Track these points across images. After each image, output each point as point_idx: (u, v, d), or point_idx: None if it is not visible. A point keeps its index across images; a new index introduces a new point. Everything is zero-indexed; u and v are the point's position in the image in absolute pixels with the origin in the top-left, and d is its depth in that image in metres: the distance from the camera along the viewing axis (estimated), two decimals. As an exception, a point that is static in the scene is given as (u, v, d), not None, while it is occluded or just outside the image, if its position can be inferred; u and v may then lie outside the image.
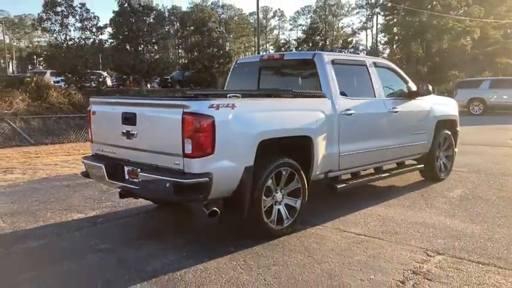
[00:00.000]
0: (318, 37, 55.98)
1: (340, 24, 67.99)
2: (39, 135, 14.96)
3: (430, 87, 6.19)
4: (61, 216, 5.22)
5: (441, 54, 42.34)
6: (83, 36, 25.53)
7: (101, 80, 27.70)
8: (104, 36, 29.54)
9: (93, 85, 25.81)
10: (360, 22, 69.45)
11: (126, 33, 29.98)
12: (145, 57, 30.27)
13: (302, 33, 63.50)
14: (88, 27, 25.61)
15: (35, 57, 67.74)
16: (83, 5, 25.30)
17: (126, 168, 4.34)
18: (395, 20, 58.07)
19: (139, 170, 4.08)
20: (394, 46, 57.65)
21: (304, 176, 4.58)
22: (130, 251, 4.07)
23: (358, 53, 56.83)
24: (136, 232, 4.72)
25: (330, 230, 4.66)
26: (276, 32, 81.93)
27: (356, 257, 3.89)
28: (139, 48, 30.88)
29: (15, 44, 78.31)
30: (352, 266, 3.69)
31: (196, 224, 5.16)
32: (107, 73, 33.98)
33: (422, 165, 6.56)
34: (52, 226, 4.87)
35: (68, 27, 25.00)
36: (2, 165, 9.46)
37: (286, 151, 4.49)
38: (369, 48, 64.16)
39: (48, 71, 28.85)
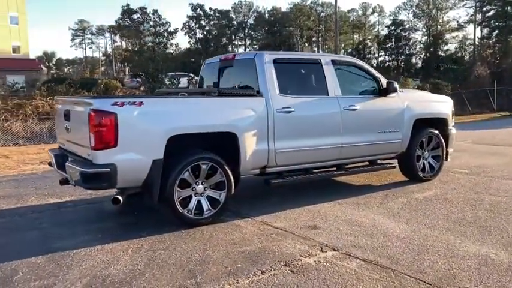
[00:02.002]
0: (403, 32, 53.85)
1: (445, 18, 63.84)
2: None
3: (396, 84, 6.02)
4: (40, 200, 5.99)
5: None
6: (156, 41, 27.36)
7: (174, 80, 29.43)
8: (177, 40, 31.20)
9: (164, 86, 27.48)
10: (466, 15, 64.03)
11: (198, 36, 31.40)
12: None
13: (386, 28, 61.40)
14: (160, 32, 27.41)
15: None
16: (155, 11, 27.18)
17: (69, 159, 4.92)
18: (492, 11, 54.14)
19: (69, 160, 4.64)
20: (493, 40, 53.77)
21: (229, 170, 4.80)
22: (60, 230, 4.65)
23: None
24: (84, 215, 5.29)
25: (255, 223, 4.83)
26: (376, 28, 79.50)
27: (247, 247, 4.06)
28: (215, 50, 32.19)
29: (130, 49, 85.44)
30: (235, 255, 3.87)
31: (146, 212, 5.55)
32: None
33: (394, 165, 6.39)
34: (24, 208, 5.63)
35: (142, 33, 26.97)
36: (46, 158, 10.74)
37: (209, 146, 4.77)
38: (477, 43, 59.79)
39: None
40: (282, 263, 3.69)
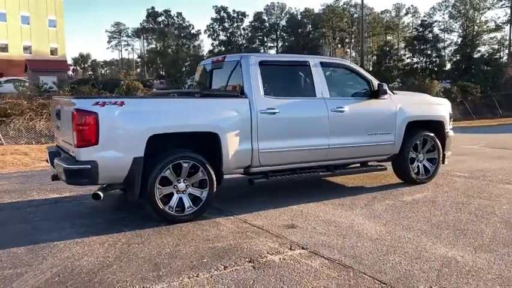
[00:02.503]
0: (430, 34, 52.94)
1: (483, 18, 61.98)
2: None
3: (386, 87, 6.02)
4: (40, 195, 6.29)
5: None
6: (180, 43, 27.84)
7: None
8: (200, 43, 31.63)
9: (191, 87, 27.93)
10: (505, 15, 61.78)
11: (221, 38, 31.75)
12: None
13: (415, 30, 60.38)
14: (183, 34, 27.86)
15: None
16: (180, 14, 27.67)
17: (61, 156, 5.18)
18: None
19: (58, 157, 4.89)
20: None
21: (211, 169, 4.94)
22: (49, 224, 4.89)
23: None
24: (77, 210, 5.52)
25: (235, 221, 4.95)
26: (410, 29, 78.04)
27: (218, 244, 4.18)
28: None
29: (153, 51, 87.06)
30: (204, 251, 3.99)
31: (136, 208, 5.71)
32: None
33: (385, 167, 6.39)
34: (24, 202, 5.93)
35: (166, 35, 27.50)
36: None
37: (192, 145, 4.92)
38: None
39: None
40: (247, 259, 3.80)
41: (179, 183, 4.84)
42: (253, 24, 48.43)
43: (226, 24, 33.14)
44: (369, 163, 6.38)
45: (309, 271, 3.56)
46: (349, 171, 6.27)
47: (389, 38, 70.82)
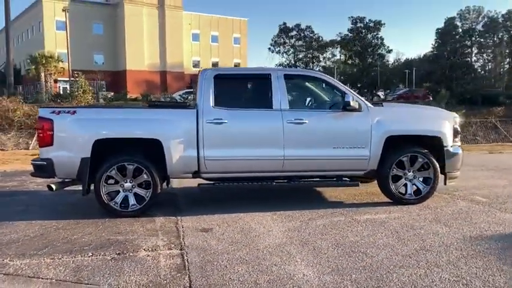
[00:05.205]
0: None
1: None
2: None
3: (351, 99, 5.71)
4: (73, 186, 7.65)
5: None
6: (309, 56, 28.58)
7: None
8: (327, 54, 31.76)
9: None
10: None
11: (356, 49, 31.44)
12: (370, 70, 31.09)
13: None
14: (313, 47, 28.52)
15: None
16: (308, 27, 28.37)
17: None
18: None
19: (37, 156, 6.08)
20: None
21: (155, 172, 5.53)
22: (36, 208, 6.12)
23: None
24: (69, 201, 6.63)
25: (170, 221, 5.40)
26: None
27: (120, 237, 4.74)
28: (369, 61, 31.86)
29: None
30: (99, 241, 4.61)
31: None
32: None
33: (356, 183, 6.02)
34: (41, 190, 7.31)
35: (296, 48, 28.54)
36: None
37: (141, 150, 5.59)
38: None
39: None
40: (118, 252, 4.28)
41: (125, 182, 5.55)
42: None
43: (361, 35, 32.58)
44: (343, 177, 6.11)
45: (147, 267, 3.91)
46: (310, 183, 6.11)
47: None
